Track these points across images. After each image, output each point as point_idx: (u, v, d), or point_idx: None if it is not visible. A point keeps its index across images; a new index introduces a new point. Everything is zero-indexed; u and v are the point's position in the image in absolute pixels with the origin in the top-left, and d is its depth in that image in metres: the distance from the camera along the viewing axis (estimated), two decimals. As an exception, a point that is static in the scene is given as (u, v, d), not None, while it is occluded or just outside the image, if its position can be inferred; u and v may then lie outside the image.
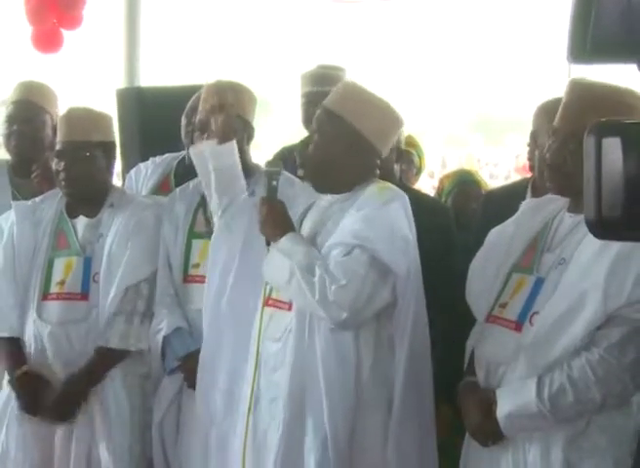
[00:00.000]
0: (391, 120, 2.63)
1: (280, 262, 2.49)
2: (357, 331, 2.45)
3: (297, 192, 2.82)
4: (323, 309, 2.39)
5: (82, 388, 2.98)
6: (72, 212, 3.12)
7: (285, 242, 2.51)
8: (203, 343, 2.84)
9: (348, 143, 2.54)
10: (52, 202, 3.16)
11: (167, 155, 3.55)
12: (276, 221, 2.56)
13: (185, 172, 3.36)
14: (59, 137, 3.07)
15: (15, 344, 3.03)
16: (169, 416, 3.01)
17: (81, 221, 3.10)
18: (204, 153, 2.87)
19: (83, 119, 3.09)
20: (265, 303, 2.62)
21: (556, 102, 2.77)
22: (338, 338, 2.45)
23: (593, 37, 1.31)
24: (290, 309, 2.54)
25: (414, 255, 2.48)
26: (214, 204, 2.89)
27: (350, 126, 2.54)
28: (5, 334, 3.04)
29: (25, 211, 3.13)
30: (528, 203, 2.54)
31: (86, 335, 2.96)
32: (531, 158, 2.94)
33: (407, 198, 2.53)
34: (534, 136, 2.89)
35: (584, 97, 2.21)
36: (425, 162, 4.18)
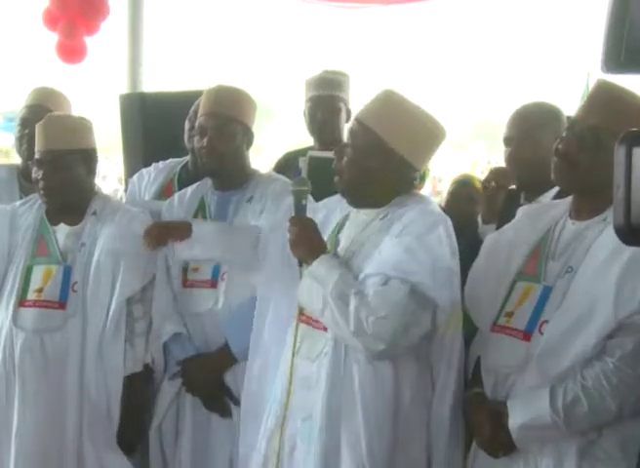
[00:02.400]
0: (426, 135, 2.46)
1: (314, 289, 2.39)
2: (396, 361, 2.37)
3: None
4: (359, 340, 2.30)
5: (137, 419, 2.99)
6: (53, 219, 3.07)
7: (318, 267, 2.40)
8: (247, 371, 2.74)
9: (382, 159, 2.42)
10: (31, 207, 3.11)
11: (170, 160, 3.54)
12: (308, 243, 2.46)
13: (189, 177, 3.36)
14: (37, 146, 3.02)
15: None
16: (167, 421, 3.00)
17: (62, 229, 3.04)
18: None
19: (61, 127, 3.04)
20: (299, 319, 2.53)
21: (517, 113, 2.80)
22: (376, 367, 2.37)
23: (627, 48, 1.33)
24: (326, 330, 2.44)
25: (457, 285, 2.37)
26: None
27: (383, 141, 2.41)
28: None
29: (4, 216, 3.08)
30: (526, 208, 2.51)
31: (61, 344, 2.91)
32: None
33: (449, 220, 2.42)
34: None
35: (611, 99, 2.21)
36: (429, 169, 4.18)
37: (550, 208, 2.41)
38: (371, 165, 2.42)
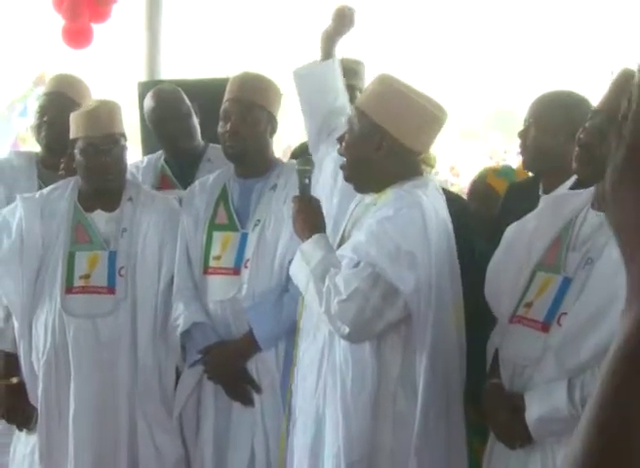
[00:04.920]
0: (423, 118, 2.43)
1: (301, 266, 2.45)
2: (378, 342, 2.37)
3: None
4: (328, 321, 2.34)
5: None
6: (87, 205, 3.10)
7: (308, 245, 2.45)
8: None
9: (376, 143, 2.42)
10: (62, 194, 3.12)
11: (145, 158, 3.64)
12: (306, 221, 2.50)
13: (177, 165, 3.48)
14: (90, 132, 3.01)
15: (13, 356, 3.08)
16: (188, 409, 3.01)
17: (100, 215, 3.08)
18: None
19: (114, 111, 3.08)
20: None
21: (541, 99, 2.79)
22: (355, 348, 2.37)
23: None
24: None
25: (426, 268, 2.31)
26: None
27: (376, 125, 2.42)
28: (7, 349, 3.10)
29: (34, 204, 3.09)
30: (548, 198, 2.49)
31: (113, 328, 2.98)
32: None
33: (425, 204, 2.36)
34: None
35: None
36: (435, 156, 4.13)
37: (573, 198, 2.39)
38: (366, 149, 2.44)
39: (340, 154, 2.51)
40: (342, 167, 2.52)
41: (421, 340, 2.34)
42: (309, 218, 2.51)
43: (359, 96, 2.57)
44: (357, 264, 2.32)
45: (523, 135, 2.80)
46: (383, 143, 2.42)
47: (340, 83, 2.85)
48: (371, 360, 2.36)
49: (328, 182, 2.71)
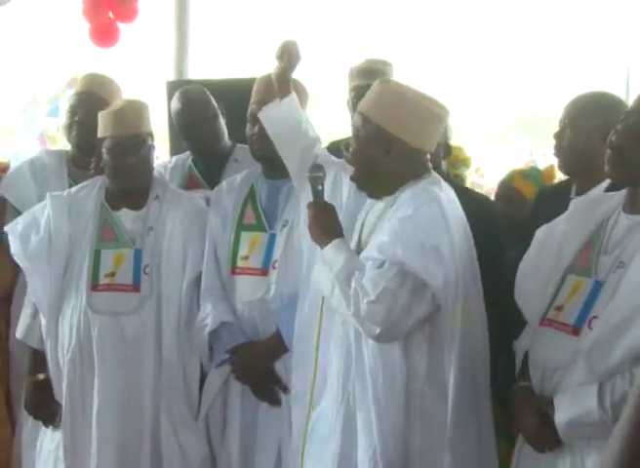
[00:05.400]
0: (426, 117, 2.45)
1: (324, 272, 2.47)
2: (406, 341, 2.39)
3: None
4: (358, 323, 2.35)
5: None
6: (113, 203, 3.11)
7: (329, 251, 2.48)
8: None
9: (384, 147, 2.44)
10: (89, 193, 3.14)
11: (173, 158, 3.66)
12: (322, 227, 2.53)
13: (204, 165, 3.50)
14: (117, 131, 3.02)
15: (40, 353, 3.11)
16: (215, 409, 3.02)
17: (126, 214, 3.10)
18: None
19: (141, 111, 3.09)
20: (324, 300, 2.60)
21: (576, 101, 2.78)
22: (384, 348, 2.38)
23: None
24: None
25: (452, 262, 2.33)
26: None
27: (382, 129, 2.43)
28: (35, 345, 3.12)
29: (62, 202, 3.11)
30: (579, 201, 2.47)
31: (138, 326, 2.99)
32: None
33: (443, 200, 2.39)
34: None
35: None
36: (470, 158, 4.16)
37: (604, 200, 2.37)
38: (372, 153, 2.46)
39: (348, 162, 2.54)
40: (352, 177, 2.54)
41: (449, 336, 2.36)
42: (325, 224, 2.53)
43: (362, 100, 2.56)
44: (381, 265, 2.33)
45: (558, 136, 2.80)
46: (392, 147, 2.44)
47: (303, 113, 2.93)
48: (400, 359, 2.38)
49: None
